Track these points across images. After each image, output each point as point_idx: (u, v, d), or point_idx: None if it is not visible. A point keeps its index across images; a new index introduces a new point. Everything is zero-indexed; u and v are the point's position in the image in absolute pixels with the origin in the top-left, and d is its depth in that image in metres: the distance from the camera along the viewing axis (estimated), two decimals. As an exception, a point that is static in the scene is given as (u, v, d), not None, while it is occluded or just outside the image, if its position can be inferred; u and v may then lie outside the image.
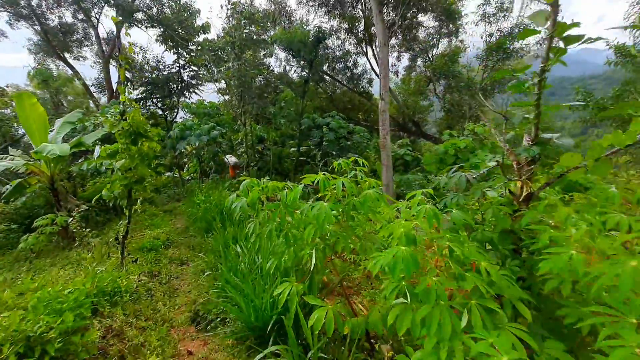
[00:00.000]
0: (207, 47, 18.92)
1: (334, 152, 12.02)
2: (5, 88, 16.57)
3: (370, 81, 19.28)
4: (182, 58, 17.68)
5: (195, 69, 18.03)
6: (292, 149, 14.49)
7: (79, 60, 18.84)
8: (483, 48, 14.86)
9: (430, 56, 19.60)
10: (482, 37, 15.00)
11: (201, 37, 19.16)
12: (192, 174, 22.14)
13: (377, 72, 18.96)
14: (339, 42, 19.26)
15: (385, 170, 10.53)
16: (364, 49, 18.74)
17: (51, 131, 8.47)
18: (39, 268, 7.15)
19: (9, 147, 9.15)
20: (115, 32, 17.12)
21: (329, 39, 14.68)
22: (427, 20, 17.74)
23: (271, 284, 3.43)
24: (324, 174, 2.68)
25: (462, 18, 17.30)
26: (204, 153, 16.08)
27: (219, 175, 18.92)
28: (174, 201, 14.78)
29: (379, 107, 10.24)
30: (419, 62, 20.95)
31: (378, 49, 10.58)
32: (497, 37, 14.27)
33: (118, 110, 4.85)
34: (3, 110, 12.41)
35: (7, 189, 7.38)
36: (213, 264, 6.31)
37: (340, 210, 2.57)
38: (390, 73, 19.52)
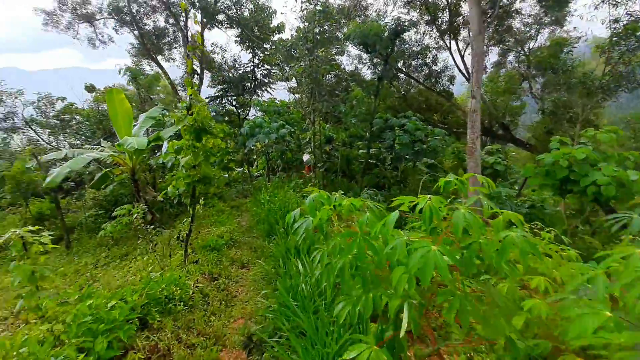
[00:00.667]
0: (280, 46, 19.11)
1: (407, 156, 10.86)
2: (111, 87, 18.94)
3: (451, 79, 17.38)
4: (257, 57, 18.03)
5: (269, 67, 18.25)
6: (361, 150, 13.63)
7: (169, 61, 20.58)
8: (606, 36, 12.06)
9: (526, 50, 16.94)
10: (603, 23, 12.20)
11: (276, 37, 19.42)
12: (261, 170, 22.73)
13: (461, 68, 17.02)
14: (418, 37, 17.75)
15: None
16: (447, 43, 16.94)
17: (135, 125, 8.91)
18: (113, 256, 7.54)
19: (102, 140, 9.96)
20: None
21: (408, 31, 13.43)
22: (526, 7, 15.27)
23: (338, 332, 2.66)
24: (429, 198, 1.80)
25: (571, 2, 14.46)
26: (272, 151, 16.14)
27: (286, 173, 18.98)
28: (241, 197, 15.08)
29: (469, 107, 8.81)
30: (511, 57, 18.32)
31: (471, 39, 9.12)
32: (626, 22, 11.39)
33: (185, 105, 4.58)
34: (104, 106, 13.98)
35: (96, 178, 7.89)
36: (272, 274, 5.83)
37: (458, 257, 1.66)
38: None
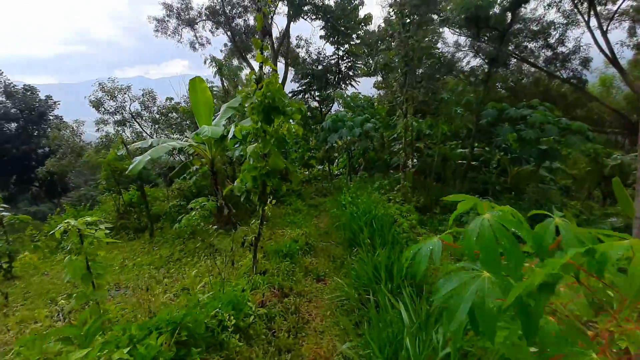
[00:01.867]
0: (366, 38, 17.69)
1: (530, 158, 8.36)
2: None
3: (585, 62, 13.56)
4: (342, 49, 16.98)
5: (353, 59, 17.04)
6: (461, 149, 11.38)
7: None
8: None
9: None
10: None
11: (362, 30, 18.11)
12: (341, 169, 21.71)
13: (604, 47, 13.15)
14: (539, 12, 14.38)
15: None
16: (585, 17, 13.25)
17: (216, 116, 8.55)
18: (188, 250, 7.18)
19: (187, 131, 9.97)
20: (284, 29, 17.98)
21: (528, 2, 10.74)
22: None
23: None
24: None
25: None
26: (354, 148, 14.86)
27: (368, 173, 17.52)
28: (320, 195, 14.18)
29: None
30: None
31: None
32: None
33: (254, 77, 3.57)
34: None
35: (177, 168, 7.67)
36: (355, 300, 4.50)
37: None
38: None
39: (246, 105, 3.57)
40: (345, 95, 16.13)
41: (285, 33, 16.98)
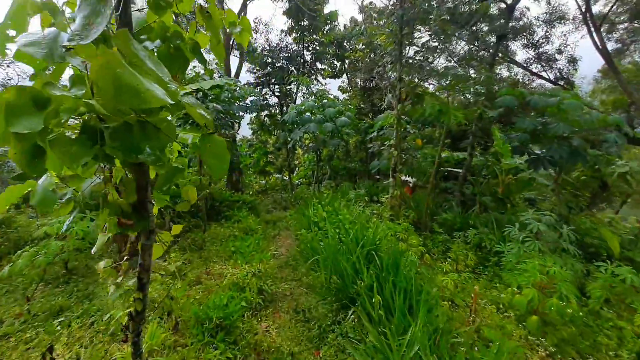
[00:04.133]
0: (331, 37, 15.50)
1: (557, 159, 6.36)
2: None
3: (573, 61, 12.44)
4: (306, 33, 14.53)
5: (319, 47, 14.68)
6: (458, 154, 9.31)
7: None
8: None
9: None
10: None
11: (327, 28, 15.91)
12: (302, 178, 19.03)
13: (598, 43, 12.01)
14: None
15: None
16: (582, 8, 12.03)
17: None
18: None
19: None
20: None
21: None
22: None
23: None
24: None
25: None
26: (321, 150, 12.28)
27: (333, 181, 15.02)
28: (280, 209, 11.30)
29: None
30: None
31: None
32: None
33: None
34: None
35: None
36: None
37: None
38: None
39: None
40: (311, 88, 13.60)
41: (241, 11, 14.11)
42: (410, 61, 6.86)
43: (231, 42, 16.63)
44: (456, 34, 8.11)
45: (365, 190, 9.64)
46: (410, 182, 8.99)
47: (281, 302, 4.33)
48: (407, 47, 6.73)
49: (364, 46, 15.67)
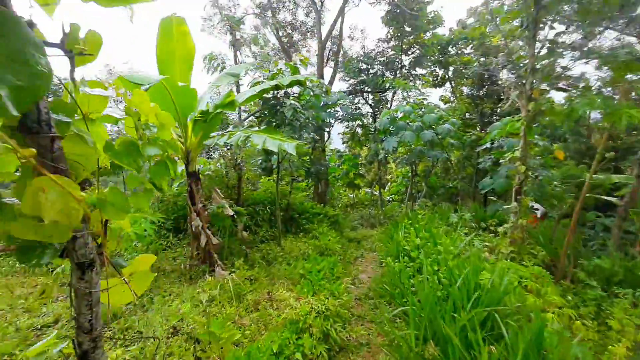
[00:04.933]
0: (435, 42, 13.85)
1: None
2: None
3: None
4: (406, 40, 13.31)
5: (420, 51, 13.26)
6: (615, 175, 6.77)
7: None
8: None
9: None
10: None
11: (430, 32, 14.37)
12: (393, 195, 17.53)
13: None
14: None
15: None
16: None
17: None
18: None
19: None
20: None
21: None
22: None
23: None
24: None
25: None
26: (418, 162, 10.81)
27: (429, 200, 13.17)
28: (367, 226, 10.23)
29: None
30: None
31: None
32: None
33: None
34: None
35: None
36: None
37: None
38: None
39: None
40: (408, 94, 12.26)
41: (338, 17, 13.79)
42: (548, 46, 5.05)
43: (326, 53, 16.61)
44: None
45: (472, 215, 7.80)
46: (537, 210, 6.84)
47: (353, 355, 3.25)
48: (545, 27, 4.97)
49: (473, 49, 13.67)
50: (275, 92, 5.51)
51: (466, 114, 14.37)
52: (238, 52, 13.12)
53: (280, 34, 16.10)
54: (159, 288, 4.52)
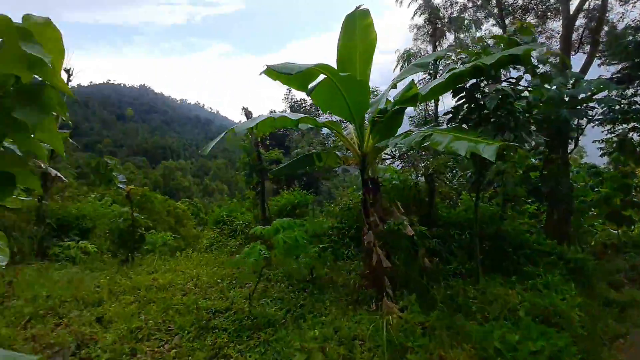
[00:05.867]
0: None
1: None
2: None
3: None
4: None
5: None
6: None
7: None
8: None
9: None
10: None
11: None
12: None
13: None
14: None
15: None
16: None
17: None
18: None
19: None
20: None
21: None
22: None
23: None
24: None
25: None
26: None
27: None
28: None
29: None
30: None
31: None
32: None
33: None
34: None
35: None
36: None
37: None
38: None
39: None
40: None
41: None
42: None
43: (579, 36, 12.28)
44: None
45: None
46: None
47: None
48: None
49: None
50: (478, 79, 4.07)
51: None
52: (437, 44, 11.79)
53: (508, 22, 13.31)
54: (323, 302, 4.16)
